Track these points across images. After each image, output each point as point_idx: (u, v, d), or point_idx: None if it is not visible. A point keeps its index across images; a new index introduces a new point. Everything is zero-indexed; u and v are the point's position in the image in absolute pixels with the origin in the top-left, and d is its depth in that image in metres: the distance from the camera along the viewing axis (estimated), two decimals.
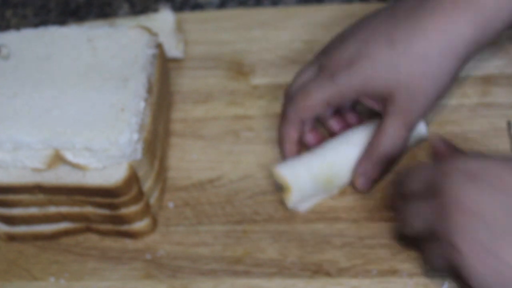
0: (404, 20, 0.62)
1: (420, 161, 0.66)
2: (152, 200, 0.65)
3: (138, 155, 0.61)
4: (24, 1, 0.86)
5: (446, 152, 0.59)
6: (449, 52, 0.61)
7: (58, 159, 0.61)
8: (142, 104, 0.62)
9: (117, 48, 0.66)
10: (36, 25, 0.81)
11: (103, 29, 0.68)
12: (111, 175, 0.61)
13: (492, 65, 0.72)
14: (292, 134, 0.66)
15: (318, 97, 0.64)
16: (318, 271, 0.62)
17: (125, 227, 0.65)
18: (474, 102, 0.70)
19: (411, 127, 0.63)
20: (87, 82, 0.64)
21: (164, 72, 0.69)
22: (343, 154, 0.64)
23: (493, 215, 0.51)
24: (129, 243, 0.66)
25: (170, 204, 0.67)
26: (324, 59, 0.65)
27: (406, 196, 0.57)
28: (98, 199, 0.62)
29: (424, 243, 0.56)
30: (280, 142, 0.67)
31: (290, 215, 0.65)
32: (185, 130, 0.72)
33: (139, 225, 0.65)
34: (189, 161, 0.70)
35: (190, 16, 0.81)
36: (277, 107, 0.69)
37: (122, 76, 0.64)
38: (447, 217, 0.52)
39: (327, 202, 0.65)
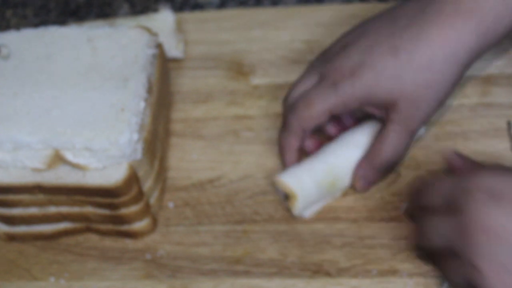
0: (406, 28, 0.61)
1: (438, 174, 0.64)
2: (152, 200, 0.65)
3: (138, 155, 0.61)
4: (24, 1, 0.86)
5: (462, 167, 0.59)
6: (452, 60, 0.61)
7: (58, 159, 0.61)
8: (142, 104, 0.62)
9: (117, 48, 0.66)
10: (36, 25, 0.81)
11: (103, 29, 0.68)
12: (111, 175, 0.61)
13: (492, 65, 0.72)
14: (293, 144, 0.66)
15: (321, 107, 0.63)
16: (318, 271, 0.62)
17: (125, 227, 0.65)
18: (474, 102, 0.70)
19: (413, 133, 0.63)
20: (87, 82, 0.64)
21: (164, 72, 0.69)
22: (344, 156, 0.64)
23: None
24: (129, 243, 0.66)
25: (170, 204, 0.67)
26: (325, 67, 0.64)
27: (426, 209, 0.57)
28: (98, 199, 0.62)
29: (443, 258, 0.56)
30: (281, 151, 0.67)
31: (290, 215, 0.65)
32: (185, 130, 0.72)
33: (139, 225, 0.65)
34: (189, 161, 0.70)
35: (190, 16, 0.81)
36: (277, 107, 0.69)
37: (122, 76, 0.64)
38: (468, 237, 0.52)
39: (327, 203, 0.65)
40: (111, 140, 0.59)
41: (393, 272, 0.61)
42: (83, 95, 0.63)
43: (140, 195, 0.63)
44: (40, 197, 0.63)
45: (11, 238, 0.66)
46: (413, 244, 0.61)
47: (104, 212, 0.63)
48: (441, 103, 0.63)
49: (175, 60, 0.76)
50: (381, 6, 0.68)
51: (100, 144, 0.59)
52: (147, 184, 0.64)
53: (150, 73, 0.65)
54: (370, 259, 0.62)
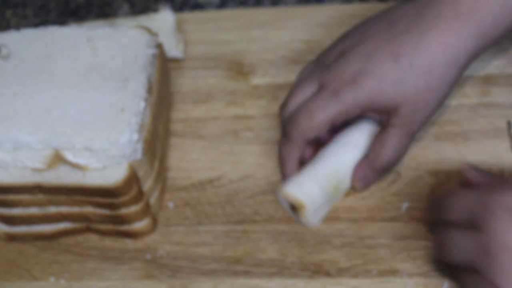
0: (405, 32, 0.61)
1: (457, 187, 0.63)
2: (152, 200, 0.65)
3: (138, 155, 0.61)
4: (24, 1, 0.86)
5: (479, 181, 0.58)
6: (452, 63, 0.61)
7: (58, 159, 0.61)
8: (142, 104, 0.62)
9: (117, 48, 0.66)
10: (36, 25, 0.81)
11: (103, 29, 0.68)
12: (111, 175, 0.61)
13: (492, 65, 0.72)
14: (294, 155, 0.65)
15: (323, 117, 0.62)
16: (318, 271, 0.62)
17: (125, 227, 0.65)
18: (474, 102, 0.70)
19: (413, 136, 0.64)
20: (87, 82, 0.64)
21: (164, 72, 0.69)
22: (343, 158, 0.64)
23: None
24: (129, 243, 0.66)
25: (170, 204, 0.67)
26: (324, 75, 0.63)
27: (446, 223, 0.56)
28: (98, 199, 0.62)
29: (463, 273, 0.55)
30: (282, 162, 0.66)
31: (290, 215, 0.65)
32: (185, 130, 0.72)
33: (139, 225, 0.65)
34: (189, 161, 0.70)
35: (190, 16, 0.81)
36: (277, 107, 0.69)
37: (122, 76, 0.64)
38: (489, 255, 0.52)
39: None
40: (111, 140, 0.59)
41: (393, 272, 0.61)
42: (83, 95, 0.63)
43: (140, 195, 0.63)
44: (40, 197, 0.63)
45: (11, 238, 0.66)
46: (433, 256, 0.61)
47: (104, 212, 0.63)
48: (440, 105, 0.63)
49: (175, 60, 0.76)
50: (381, 6, 0.68)
51: (100, 144, 0.59)
52: (147, 184, 0.64)
53: (150, 73, 0.65)
54: (370, 259, 0.62)
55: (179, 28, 0.78)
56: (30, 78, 0.64)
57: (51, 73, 0.65)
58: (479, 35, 0.60)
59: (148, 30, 0.67)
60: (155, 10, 0.81)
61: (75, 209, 0.64)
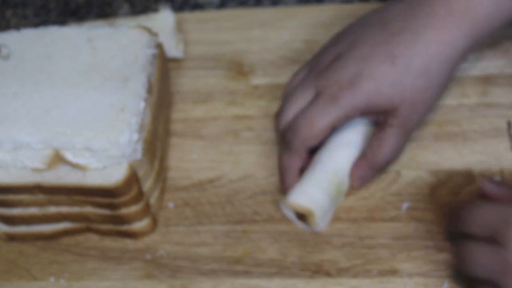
0: (400, 33, 0.61)
1: (475, 199, 0.62)
2: (152, 200, 0.65)
3: (138, 155, 0.61)
4: (24, 1, 0.86)
5: (497, 194, 0.58)
6: (447, 62, 0.61)
7: (58, 159, 0.61)
8: (142, 104, 0.62)
9: (117, 48, 0.66)
10: (36, 25, 0.81)
11: (103, 29, 0.68)
12: (111, 175, 0.61)
13: (492, 65, 0.72)
14: (296, 164, 0.64)
15: (324, 123, 0.62)
16: (318, 271, 0.62)
17: (125, 227, 0.65)
18: (474, 102, 0.70)
19: (410, 134, 0.64)
20: (87, 82, 0.64)
21: (164, 72, 0.69)
22: (341, 159, 0.64)
23: None
24: (129, 243, 0.66)
25: (170, 204, 0.67)
26: (320, 81, 0.63)
27: (466, 235, 0.56)
28: (98, 199, 0.62)
29: (482, 286, 0.55)
30: (283, 172, 0.65)
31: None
32: (185, 130, 0.72)
33: (139, 225, 0.65)
34: (189, 161, 0.70)
35: (190, 16, 0.81)
36: (277, 107, 0.69)
37: (122, 76, 0.64)
38: (511, 272, 0.52)
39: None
40: (111, 140, 0.59)
41: (393, 272, 0.61)
42: (83, 95, 0.63)
43: (140, 195, 0.63)
44: (40, 197, 0.63)
45: (11, 238, 0.66)
46: (453, 268, 0.60)
47: (104, 212, 0.63)
48: (437, 102, 0.64)
49: (175, 60, 0.76)
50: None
51: (100, 144, 0.59)
52: (147, 184, 0.64)
53: (150, 73, 0.65)
54: (370, 259, 0.62)
55: (179, 28, 0.78)
56: (30, 78, 0.64)
57: (51, 73, 0.65)
58: (473, 33, 0.61)
59: (148, 30, 0.67)
60: (155, 10, 0.81)
61: (75, 209, 0.64)
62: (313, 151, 0.65)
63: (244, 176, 0.68)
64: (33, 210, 0.64)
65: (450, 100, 0.70)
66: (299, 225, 0.64)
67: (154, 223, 0.66)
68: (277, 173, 0.67)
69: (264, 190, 0.67)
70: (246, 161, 0.69)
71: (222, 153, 0.70)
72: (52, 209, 0.64)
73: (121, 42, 0.66)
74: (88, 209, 0.63)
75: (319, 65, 0.65)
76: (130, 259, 0.65)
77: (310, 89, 0.64)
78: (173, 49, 0.76)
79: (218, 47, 0.78)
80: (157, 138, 0.66)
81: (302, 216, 0.64)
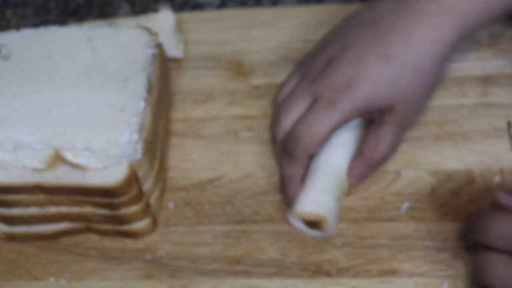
0: (392, 32, 0.62)
1: (491, 209, 0.61)
2: (152, 200, 0.65)
3: (138, 155, 0.61)
4: (24, 1, 0.86)
5: None
6: (439, 58, 0.62)
7: (58, 159, 0.61)
8: (142, 104, 0.62)
9: (117, 48, 0.66)
10: (36, 25, 0.81)
11: (103, 29, 0.68)
12: (111, 175, 0.61)
13: (492, 65, 0.72)
14: (300, 173, 0.64)
15: (324, 130, 0.62)
16: (318, 271, 0.62)
17: (125, 227, 0.65)
18: (474, 102, 0.70)
19: (406, 130, 0.65)
20: (87, 82, 0.64)
21: (164, 72, 0.69)
22: (338, 160, 0.64)
23: None
24: (129, 243, 0.66)
25: (170, 204, 0.67)
26: (316, 87, 0.63)
27: (484, 246, 0.56)
28: (98, 199, 0.62)
29: None
30: (288, 183, 0.64)
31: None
32: (185, 130, 0.72)
33: (139, 225, 0.65)
34: (189, 161, 0.70)
35: (190, 16, 0.81)
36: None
37: (122, 76, 0.64)
38: None
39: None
40: (111, 140, 0.59)
41: (393, 272, 0.61)
42: (83, 95, 0.63)
43: (140, 195, 0.63)
44: (40, 197, 0.63)
45: (11, 238, 0.66)
46: (471, 277, 0.60)
47: (104, 212, 0.63)
48: (430, 97, 0.65)
49: (175, 60, 0.76)
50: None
51: (100, 144, 0.59)
52: (147, 184, 0.64)
53: (150, 73, 0.65)
54: (370, 259, 0.62)
55: (179, 28, 0.78)
56: (30, 78, 0.64)
57: (51, 73, 0.65)
58: (462, 28, 0.62)
59: (148, 30, 0.67)
60: (155, 10, 0.81)
61: (75, 209, 0.64)
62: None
63: (244, 176, 0.68)
64: (33, 210, 0.64)
65: (450, 100, 0.70)
66: (311, 233, 0.64)
67: (154, 223, 0.66)
68: (277, 173, 0.67)
69: (264, 190, 0.67)
70: (246, 161, 0.69)
71: (222, 153, 0.70)
72: (52, 209, 0.64)
73: (121, 42, 0.66)
74: (88, 209, 0.63)
75: (312, 71, 0.64)
76: (130, 259, 0.65)
77: (306, 96, 0.63)
78: (173, 49, 0.76)
79: (218, 47, 0.78)
80: (157, 138, 0.66)
81: (312, 224, 0.64)
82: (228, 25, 0.79)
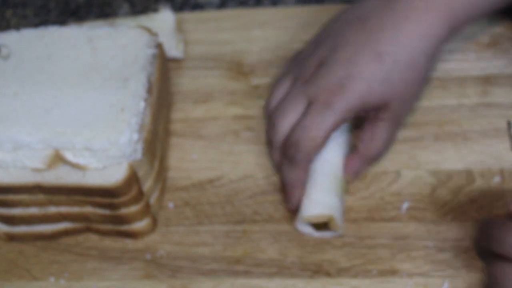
0: (382, 30, 0.62)
1: (504, 218, 0.60)
2: (152, 200, 0.65)
3: (138, 155, 0.61)
4: (24, 1, 0.86)
5: None
6: (429, 53, 0.63)
7: (58, 159, 0.61)
8: (142, 104, 0.62)
9: (117, 48, 0.66)
10: (36, 25, 0.81)
11: (103, 29, 0.68)
12: (111, 175, 0.61)
13: (492, 65, 0.72)
14: (302, 177, 0.63)
15: (323, 132, 0.61)
16: (318, 271, 0.62)
17: (125, 227, 0.65)
18: (474, 102, 0.70)
19: (400, 126, 0.66)
20: (87, 82, 0.64)
21: (164, 72, 0.69)
22: (334, 159, 0.64)
23: None
24: (129, 243, 0.66)
25: (170, 204, 0.67)
26: (310, 89, 0.63)
27: (497, 255, 0.54)
28: (98, 199, 0.62)
29: None
30: (290, 189, 0.64)
31: (290, 215, 0.65)
32: (185, 130, 0.72)
33: (139, 225, 0.65)
34: (189, 161, 0.70)
35: (190, 16, 0.81)
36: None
37: (122, 76, 0.64)
38: None
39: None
40: (111, 140, 0.59)
41: (393, 272, 0.61)
42: (83, 95, 0.63)
43: (140, 195, 0.63)
44: (40, 197, 0.63)
45: (11, 238, 0.66)
46: (484, 286, 0.59)
47: (104, 212, 0.63)
48: (423, 92, 0.66)
49: (175, 60, 0.76)
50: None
51: (100, 144, 0.59)
52: (147, 184, 0.64)
53: (150, 73, 0.65)
54: (370, 259, 0.62)
55: (179, 28, 0.78)
56: (30, 78, 0.64)
57: (51, 73, 0.65)
58: (451, 24, 0.62)
59: (148, 30, 0.67)
60: (155, 10, 0.81)
61: (75, 209, 0.64)
62: None
63: (244, 176, 0.68)
64: (33, 210, 0.64)
65: (450, 100, 0.70)
66: (320, 235, 0.64)
67: (154, 223, 0.66)
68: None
69: (264, 190, 0.67)
70: (246, 161, 0.69)
71: (222, 153, 0.70)
72: (52, 209, 0.64)
73: (121, 42, 0.66)
74: (88, 209, 0.63)
75: (305, 73, 0.64)
76: (130, 259, 0.65)
77: (300, 99, 0.63)
78: (173, 49, 0.76)
79: (218, 47, 0.77)
80: (157, 138, 0.66)
81: (319, 226, 0.63)
82: (228, 25, 0.79)
